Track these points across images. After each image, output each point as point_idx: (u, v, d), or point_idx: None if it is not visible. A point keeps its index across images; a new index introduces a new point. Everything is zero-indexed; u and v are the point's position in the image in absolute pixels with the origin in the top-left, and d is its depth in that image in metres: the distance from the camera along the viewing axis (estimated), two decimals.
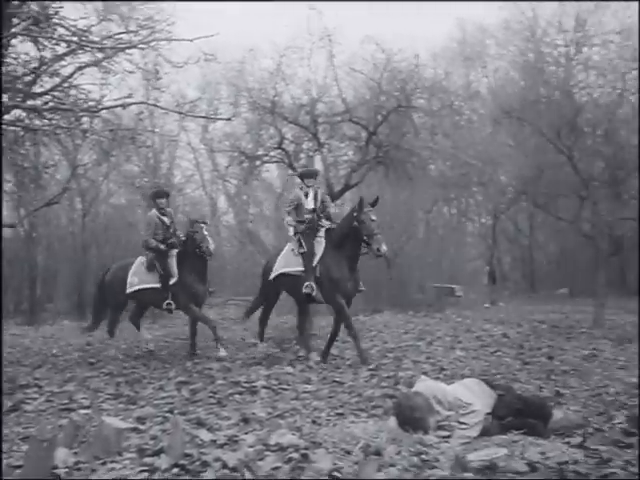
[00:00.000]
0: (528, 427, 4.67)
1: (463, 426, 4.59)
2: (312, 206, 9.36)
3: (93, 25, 8.77)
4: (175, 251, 10.02)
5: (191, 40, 8.06)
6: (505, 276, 29.81)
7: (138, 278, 10.07)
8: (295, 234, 9.33)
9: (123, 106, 8.80)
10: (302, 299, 9.32)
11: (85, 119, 8.95)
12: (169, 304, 9.84)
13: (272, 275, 9.42)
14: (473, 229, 31.76)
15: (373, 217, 8.80)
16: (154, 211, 10.15)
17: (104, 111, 8.86)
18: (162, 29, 8.08)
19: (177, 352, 10.21)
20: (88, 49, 8.46)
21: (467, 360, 8.67)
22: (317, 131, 12.69)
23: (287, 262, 9.27)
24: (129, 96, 8.86)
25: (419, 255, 20.37)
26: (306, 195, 9.43)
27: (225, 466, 3.46)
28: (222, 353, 9.29)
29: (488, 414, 4.78)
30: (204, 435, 4.10)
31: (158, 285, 9.91)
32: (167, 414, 5.44)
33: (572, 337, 11.15)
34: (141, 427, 4.54)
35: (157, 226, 10.04)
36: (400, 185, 14.74)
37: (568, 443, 4.50)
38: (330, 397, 6.31)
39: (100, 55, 8.50)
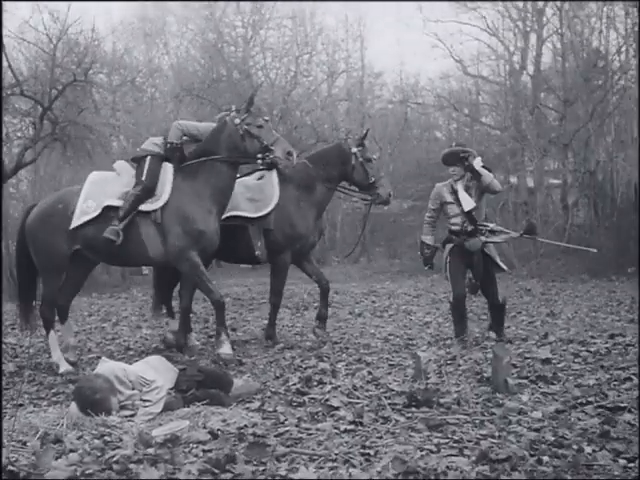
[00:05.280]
0: (210, 398, 4.84)
1: (146, 403, 4.63)
2: None
3: None
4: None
5: None
6: None
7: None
8: None
9: None
10: None
11: None
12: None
13: None
14: None
15: (375, 156, 7.76)
16: None
17: None
18: None
19: None
20: None
21: (153, 338, 8.72)
22: None
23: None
24: None
25: None
26: None
27: None
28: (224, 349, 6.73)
29: (171, 389, 4.88)
30: None
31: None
32: None
33: (254, 308, 11.70)
34: None
35: None
36: (80, 163, 14.21)
37: (248, 408, 4.75)
38: (6, 389, 5.95)
39: None
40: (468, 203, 6.92)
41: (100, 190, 6.80)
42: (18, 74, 12.78)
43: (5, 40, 12.46)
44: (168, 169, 6.91)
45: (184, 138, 7.04)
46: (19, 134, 14.88)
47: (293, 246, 7.64)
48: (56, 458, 3.44)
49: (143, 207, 6.68)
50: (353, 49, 27.79)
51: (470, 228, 6.94)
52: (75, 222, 6.67)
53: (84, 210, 6.69)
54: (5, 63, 12.84)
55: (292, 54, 24.02)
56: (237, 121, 6.81)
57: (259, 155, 6.76)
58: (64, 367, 6.62)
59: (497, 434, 3.89)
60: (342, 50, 27.19)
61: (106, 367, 4.85)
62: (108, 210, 6.66)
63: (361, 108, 23.61)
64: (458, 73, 24.00)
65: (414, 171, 20.62)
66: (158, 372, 4.91)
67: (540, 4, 21.72)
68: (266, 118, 6.95)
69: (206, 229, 6.77)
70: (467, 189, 7.02)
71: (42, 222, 6.82)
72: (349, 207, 25.64)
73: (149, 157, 6.90)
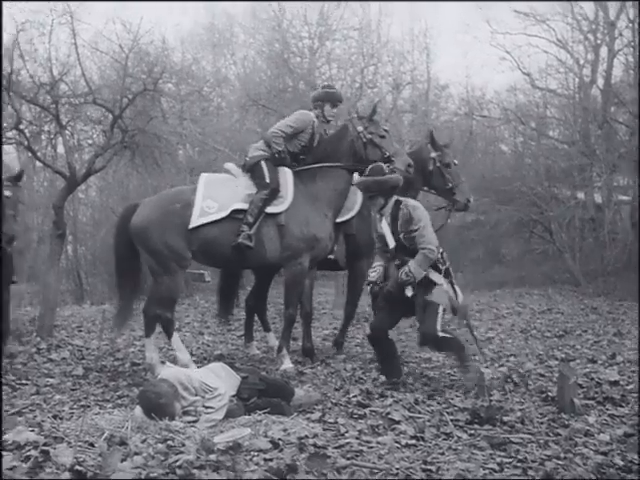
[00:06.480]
0: (271, 406, 4.87)
1: (209, 410, 4.68)
2: None
3: None
4: None
5: None
6: None
7: None
8: None
9: None
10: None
11: None
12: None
13: None
14: None
15: (456, 161, 7.64)
16: (312, 114, 7.28)
17: None
18: None
19: None
20: None
21: (215, 344, 8.81)
22: (59, 112, 12.06)
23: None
24: None
25: None
26: None
27: None
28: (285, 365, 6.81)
29: (233, 396, 4.92)
30: None
31: None
32: None
33: (314, 318, 11.68)
34: None
35: (303, 138, 7.18)
36: (147, 170, 14.48)
37: (308, 419, 4.77)
38: (73, 390, 6.10)
39: None
40: (390, 241, 5.95)
41: (219, 191, 6.72)
42: (91, 83, 13.06)
43: (80, 50, 12.78)
44: (287, 172, 6.92)
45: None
46: (89, 141, 15.18)
47: (373, 253, 7.49)
48: (121, 460, 3.50)
49: (269, 209, 6.68)
50: (419, 61, 27.71)
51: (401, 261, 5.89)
52: (195, 222, 6.55)
53: (204, 210, 6.57)
54: (79, 71, 13.17)
55: (358, 65, 24.03)
56: (360, 128, 6.83)
57: None
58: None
59: (562, 455, 3.81)
60: (408, 62, 27.14)
61: (170, 372, 4.93)
62: (234, 213, 6.62)
63: (426, 120, 23.46)
64: (525, 86, 23.68)
65: (479, 184, 20.32)
66: (221, 379, 4.96)
67: (612, 17, 21.28)
68: (386, 128, 6.96)
69: (323, 235, 6.79)
70: (394, 221, 5.95)
71: (159, 222, 6.61)
72: None
73: (262, 161, 6.89)
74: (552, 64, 23.29)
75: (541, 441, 4.11)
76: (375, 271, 6.11)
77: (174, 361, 6.53)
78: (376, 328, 6.11)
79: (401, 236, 5.83)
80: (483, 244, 22.43)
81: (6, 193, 6.67)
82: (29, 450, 3.59)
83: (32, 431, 4.03)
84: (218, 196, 6.66)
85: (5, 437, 3.81)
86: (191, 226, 6.56)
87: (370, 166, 6.05)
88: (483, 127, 24.84)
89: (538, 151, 21.80)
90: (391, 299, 6.04)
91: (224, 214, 6.59)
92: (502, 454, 3.87)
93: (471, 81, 46.05)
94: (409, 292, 5.79)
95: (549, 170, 19.76)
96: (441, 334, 5.82)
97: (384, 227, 5.95)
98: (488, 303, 13.81)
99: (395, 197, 5.95)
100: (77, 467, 3.32)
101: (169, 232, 6.58)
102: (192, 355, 7.90)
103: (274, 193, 6.70)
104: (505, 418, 4.55)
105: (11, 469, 3.29)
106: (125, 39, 13.42)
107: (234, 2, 27.21)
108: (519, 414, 4.67)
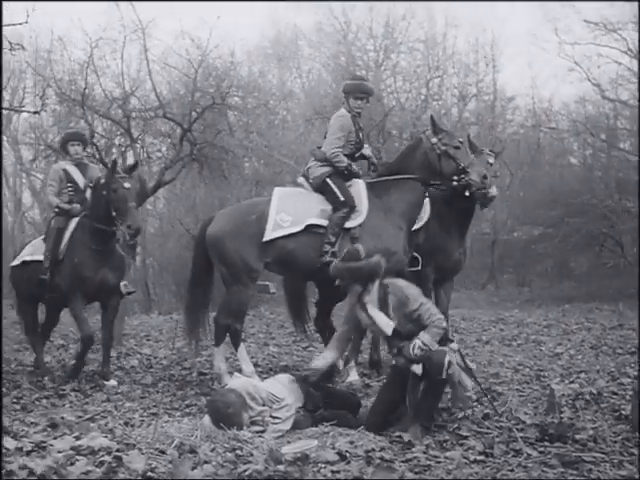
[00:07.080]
0: (338, 419, 4.86)
1: (276, 420, 4.71)
2: None
3: None
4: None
5: None
6: None
7: None
8: None
9: None
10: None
11: None
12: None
13: None
14: None
15: (491, 160, 7.42)
16: (344, 111, 7.08)
17: None
18: None
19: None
20: None
21: (280, 356, 8.85)
22: (130, 126, 12.38)
23: None
24: None
25: None
26: None
27: (32, 473, 3.32)
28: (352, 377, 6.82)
29: (300, 408, 4.94)
30: (8, 443, 3.89)
31: None
32: None
33: None
34: None
35: (352, 137, 7.03)
36: (214, 183, 14.74)
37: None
38: (143, 398, 6.21)
39: None
40: (387, 325, 5.06)
41: (293, 205, 6.70)
42: (161, 97, 13.35)
43: (150, 65, 13.10)
44: (360, 184, 6.84)
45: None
46: (159, 154, 15.50)
47: (435, 261, 7.38)
48: (192, 468, 3.54)
49: (346, 224, 6.64)
50: (485, 73, 27.41)
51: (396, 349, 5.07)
52: (268, 235, 6.56)
53: (278, 223, 6.57)
54: (149, 86, 13.49)
55: (423, 78, 23.95)
56: (434, 140, 6.68)
57: (454, 177, 6.61)
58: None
59: (637, 476, 3.70)
60: (474, 74, 26.89)
61: (238, 383, 4.97)
62: (310, 227, 6.59)
63: (492, 132, 23.19)
64: (595, 97, 23.19)
65: (546, 197, 20.00)
66: (288, 390, 4.98)
67: None
68: (461, 140, 6.82)
69: (396, 248, 6.61)
70: (382, 308, 5.10)
71: (234, 233, 6.66)
72: (478, 232, 25.21)
73: (327, 179, 6.81)
74: (623, 74, 22.73)
75: (615, 461, 3.99)
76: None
77: (241, 372, 6.60)
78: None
79: (394, 322, 5.05)
80: (551, 258, 22.02)
81: (126, 185, 6.86)
82: (103, 455, 3.67)
83: (105, 437, 4.11)
84: (291, 210, 6.64)
85: (79, 442, 3.90)
86: (265, 239, 6.59)
87: (346, 249, 5.43)
88: (551, 139, 24.42)
89: (608, 163, 21.33)
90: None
91: (299, 228, 6.57)
92: (574, 473, 3.78)
93: (538, 92, 45.29)
94: (419, 370, 4.92)
95: (620, 182, 19.28)
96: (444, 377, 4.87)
97: (375, 315, 5.10)
98: (556, 318, 13.51)
99: (377, 280, 5.14)
100: (149, 473, 3.38)
101: (243, 243, 6.62)
102: (257, 366, 7.97)
103: (352, 210, 6.63)
104: (577, 436, 4.43)
105: (86, 473, 3.37)
106: (194, 54, 13.71)
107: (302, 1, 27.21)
108: (591, 432, 4.54)
